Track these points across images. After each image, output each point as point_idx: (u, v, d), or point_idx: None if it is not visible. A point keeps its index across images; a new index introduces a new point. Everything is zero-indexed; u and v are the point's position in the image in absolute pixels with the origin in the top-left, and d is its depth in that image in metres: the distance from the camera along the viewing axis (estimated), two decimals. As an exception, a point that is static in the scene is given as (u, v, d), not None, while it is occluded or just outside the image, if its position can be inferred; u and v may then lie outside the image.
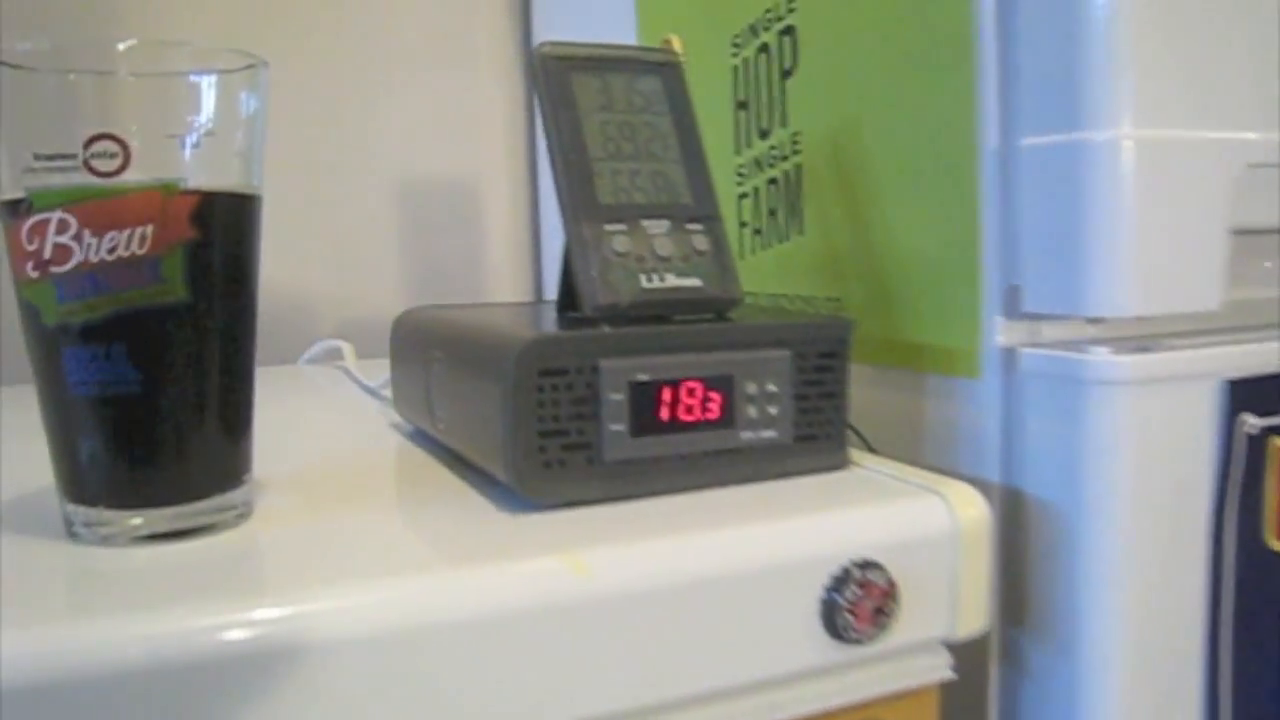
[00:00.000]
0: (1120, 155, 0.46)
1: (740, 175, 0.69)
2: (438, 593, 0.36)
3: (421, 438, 0.57)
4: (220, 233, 0.40)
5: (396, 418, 0.62)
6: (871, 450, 0.54)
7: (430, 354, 0.52)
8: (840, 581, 0.41)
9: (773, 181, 0.66)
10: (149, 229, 0.38)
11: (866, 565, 0.42)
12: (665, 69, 0.52)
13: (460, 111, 1.07)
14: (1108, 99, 0.46)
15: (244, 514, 0.43)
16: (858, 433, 0.55)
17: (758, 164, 0.67)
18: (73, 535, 0.41)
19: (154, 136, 0.40)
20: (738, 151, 0.69)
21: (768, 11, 0.65)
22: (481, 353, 0.45)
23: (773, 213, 0.66)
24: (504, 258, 1.10)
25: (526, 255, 1.11)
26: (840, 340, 0.48)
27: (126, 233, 0.37)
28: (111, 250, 0.37)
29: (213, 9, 0.98)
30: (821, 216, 0.62)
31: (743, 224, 0.70)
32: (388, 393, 0.67)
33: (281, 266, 1.02)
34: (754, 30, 0.67)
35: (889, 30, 0.56)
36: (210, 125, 0.41)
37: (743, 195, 0.69)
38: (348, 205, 1.04)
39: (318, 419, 0.68)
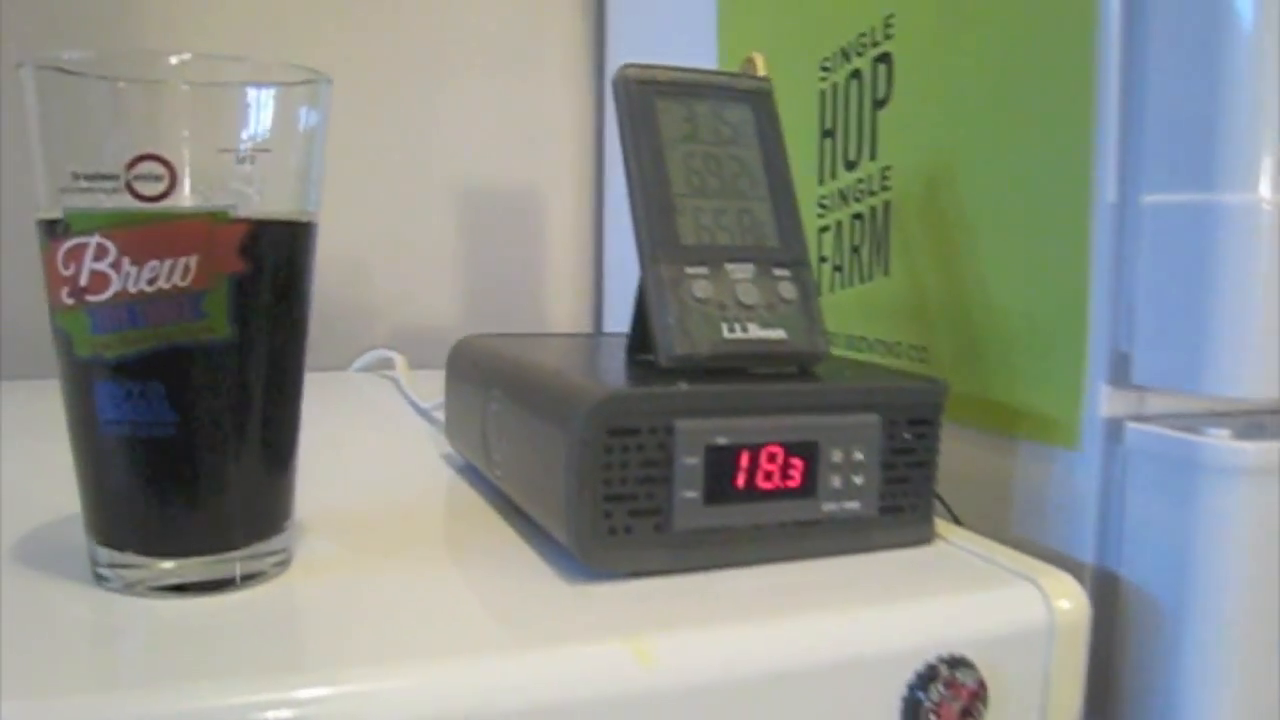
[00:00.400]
0: (1259, 220, 0.41)
1: (822, 207, 0.65)
2: (489, 679, 0.32)
3: (473, 473, 0.54)
4: (271, 265, 0.37)
5: (447, 446, 0.59)
6: (957, 522, 0.50)
7: (490, 393, 0.48)
8: (926, 679, 0.37)
9: (858, 217, 0.62)
10: (193, 260, 0.34)
11: (956, 663, 0.38)
12: (755, 97, 0.49)
13: (526, 119, 1.04)
14: (1248, 158, 0.42)
15: (283, 561, 0.40)
16: (943, 502, 0.51)
17: (842, 197, 0.63)
18: (98, 578, 0.38)
19: (205, 153, 0.37)
20: (821, 182, 0.65)
21: (862, 35, 0.61)
22: (547, 403, 0.41)
23: (856, 250, 0.62)
24: (565, 272, 1.07)
25: (588, 271, 1.08)
26: (935, 406, 0.44)
27: (169, 263, 0.34)
28: (152, 281, 0.34)
29: (272, 12, 0.95)
30: (909, 258, 0.58)
31: (823, 259, 0.66)
32: (440, 415, 0.64)
33: (337, 270, 0.99)
34: (846, 55, 0.63)
35: (998, 65, 0.52)
36: (266, 142, 0.39)
37: (824, 228, 0.65)
38: (407, 211, 1.01)
39: (365, 438, 0.65)
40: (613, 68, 1.02)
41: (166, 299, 0.34)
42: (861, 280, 0.62)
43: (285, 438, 0.40)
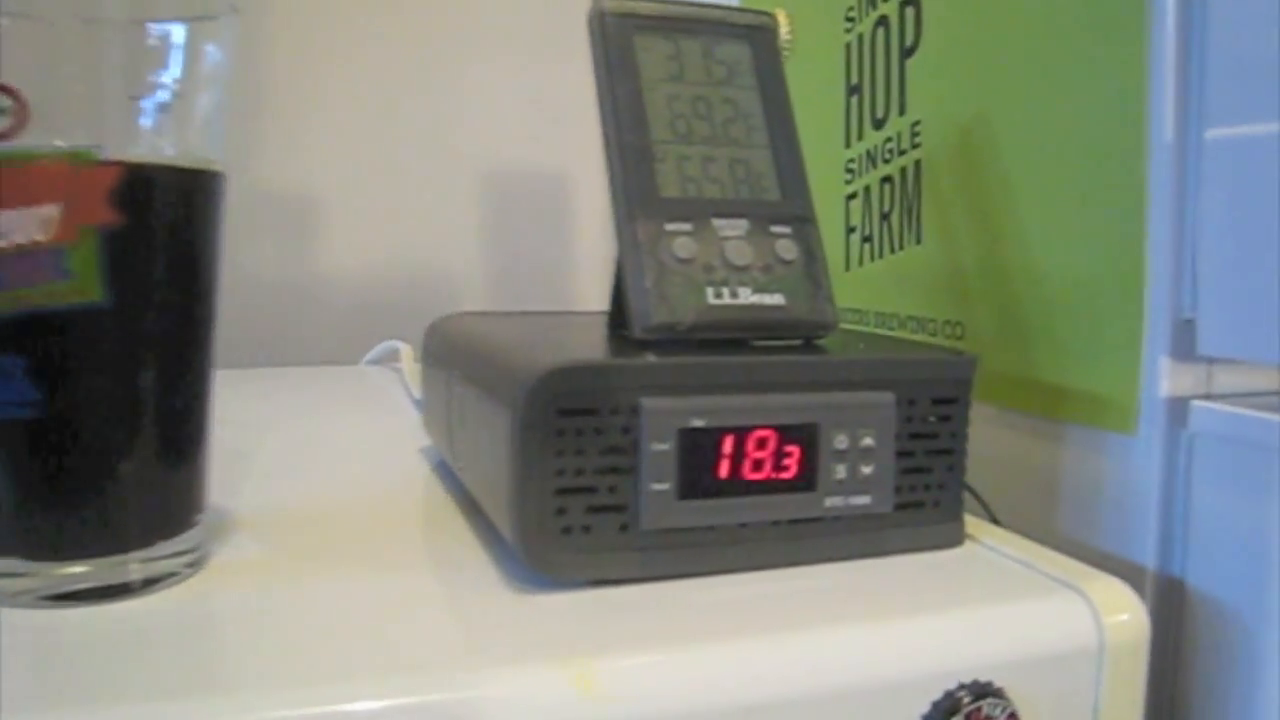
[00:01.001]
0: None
1: (850, 172, 0.59)
2: (384, 710, 0.26)
3: (446, 469, 0.48)
4: (158, 218, 0.31)
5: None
6: (993, 520, 0.43)
7: (452, 375, 0.42)
8: (945, 712, 0.31)
9: (887, 180, 0.55)
10: (54, 210, 0.29)
11: (982, 691, 0.31)
12: (755, 34, 0.42)
13: (551, 100, 0.98)
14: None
15: (195, 562, 0.35)
16: (975, 495, 0.44)
17: (870, 159, 0.57)
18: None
19: (109, 100, 0.32)
20: (848, 144, 0.59)
21: (889, -24, 0.54)
22: (494, 379, 0.35)
23: (885, 216, 0.56)
24: (590, 259, 1.01)
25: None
26: (961, 382, 0.37)
27: (23, 213, 0.29)
28: (2, 235, 0.29)
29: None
30: (943, 223, 0.51)
31: (851, 229, 0.59)
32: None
33: (352, 258, 0.94)
34: (871, 1, 0.56)
35: (1039, 3, 0.45)
36: (179, 86, 0.33)
37: (851, 195, 0.59)
38: (426, 196, 0.96)
39: (343, 433, 0.60)
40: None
41: (21, 256, 0.29)
42: (892, 250, 0.55)
43: (187, 422, 0.34)
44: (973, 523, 0.40)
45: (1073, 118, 0.43)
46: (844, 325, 0.45)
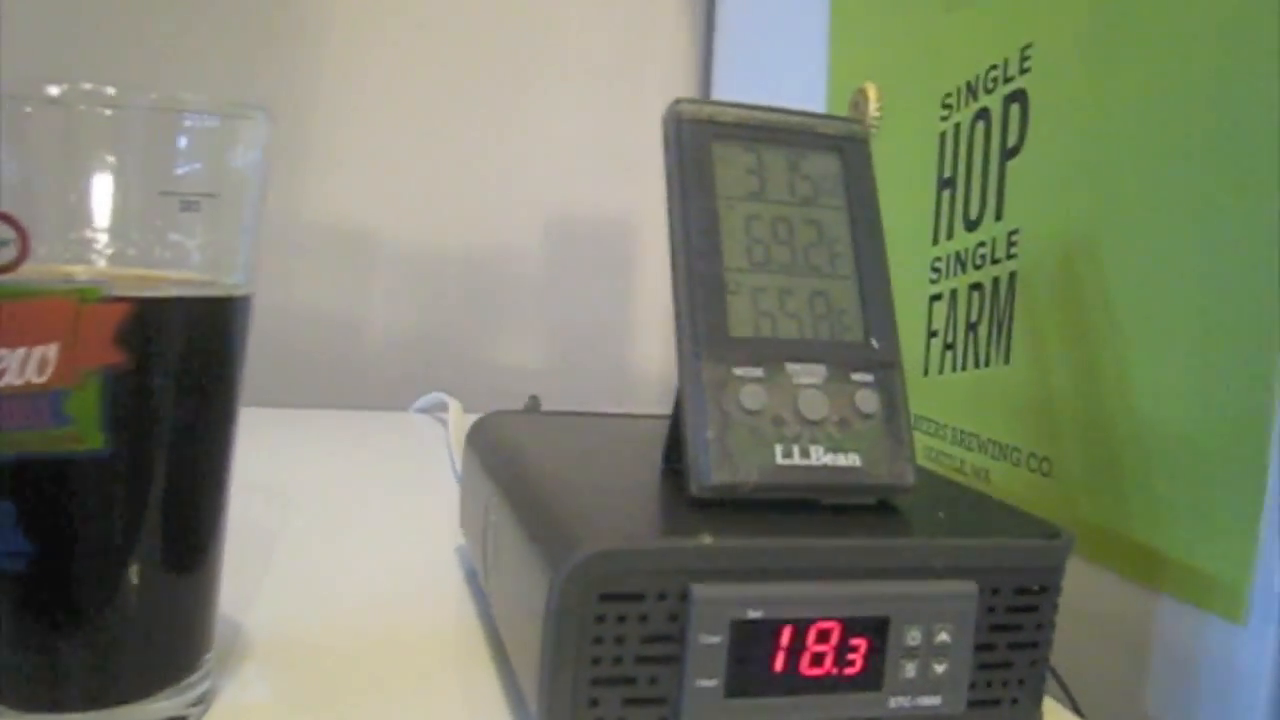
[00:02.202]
0: None
1: (935, 271, 0.54)
2: None
3: (477, 585, 0.45)
4: (168, 355, 0.28)
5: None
6: (1077, 713, 0.38)
7: (491, 497, 0.39)
8: None
9: (976, 287, 0.51)
10: (52, 350, 0.26)
11: None
12: (847, 145, 0.38)
13: (620, 147, 0.95)
14: None
15: (200, 701, 0.32)
16: (1058, 679, 0.40)
17: (959, 261, 0.52)
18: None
19: (133, 196, 0.29)
20: (935, 240, 0.55)
21: (993, 69, 0.50)
22: (531, 536, 0.32)
23: (972, 327, 0.51)
24: (655, 314, 0.97)
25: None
26: (1053, 570, 0.33)
27: (19, 354, 0.26)
28: (-4, 375, 0.26)
29: (350, 23, 0.88)
30: (1036, 346, 0.47)
31: (933, 333, 0.55)
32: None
33: (404, 302, 0.92)
34: (972, 90, 0.52)
35: (1162, 108, 0.40)
36: (208, 185, 0.31)
37: (935, 297, 0.54)
38: (486, 240, 0.93)
39: (377, 513, 0.56)
40: (720, 92, 0.92)
41: (16, 399, 0.26)
42: (976, 365, 0.51)
43: (194, 566, 0.31)
44: (1053, 712, 0.36)
45: (1195, 246, 0.39)
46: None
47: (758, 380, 0.33)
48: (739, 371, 0.34)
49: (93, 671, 0.30)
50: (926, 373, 0.55)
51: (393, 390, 0.87)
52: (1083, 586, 0.43)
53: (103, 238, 0.30)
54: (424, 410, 0.83)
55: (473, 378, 0.92)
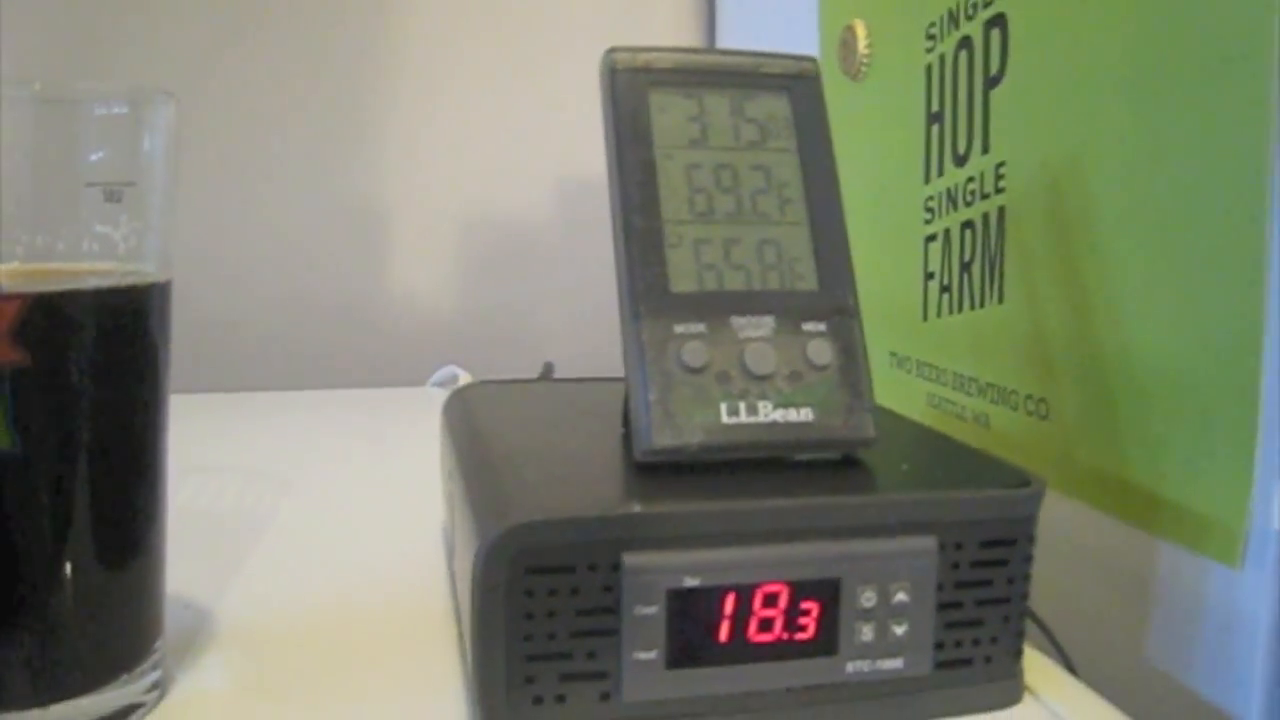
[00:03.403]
0: None
1: (929, 211, 0.52)
2: None
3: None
4: (74, 349, 0.28)
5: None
6: (1069, 668, 0.37)
7: (451, 470, 0.38)
8: None
9: (968, 225, 0.49)
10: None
11: None
12: (796, 84, 0.36)
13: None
14: None
15: (154, 689, 0.32)
16: (1048, 633, 0.38)
17: (951, 199, 0.50)
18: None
19: (53, 187, 0.29)
20: (928, 179, 0.52)
21: (973, -7, 0.48)
22: (470, 515, 0.31)
23: (966, 266, 0.49)
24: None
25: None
26: (1021, 521, 0.31)
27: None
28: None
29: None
30: (1027, 283, 0.45)
31: (929, 275, 0.53)
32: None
33: (422, 275, 0.91)
34: (953, 18, 0.49)
35: (1143, 23, 0.38)
36: (127, 173, 0.30)
37: (931, 237, 0.52)
38: (503, 210, 0.92)
39: (368, 493, 0.56)
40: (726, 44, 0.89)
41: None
42: (973, 306, 0.49)
43: (129, 558, 0.30)
44: (1040, 668, 0.34)
45: (1180, 171, 0.36)
46: (888, 410, 0.39)
47: (700, 336, 0.32)
48: (680, 328, 0.32)
49: (32, 669, 0.29)
50: (925, 317, 0.53)
51: (414, 365, 0.87)
52: (1082, 533, 0.41)
53: (24, 233, 0.29)
54: (440, 385, 0.83)
55: (492, 349, 0.91)
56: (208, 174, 0.86)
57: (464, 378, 0.76)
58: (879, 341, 0.57)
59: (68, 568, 0.29)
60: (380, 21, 0.88)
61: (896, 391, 0.56)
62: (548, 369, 0.78)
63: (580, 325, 0.94)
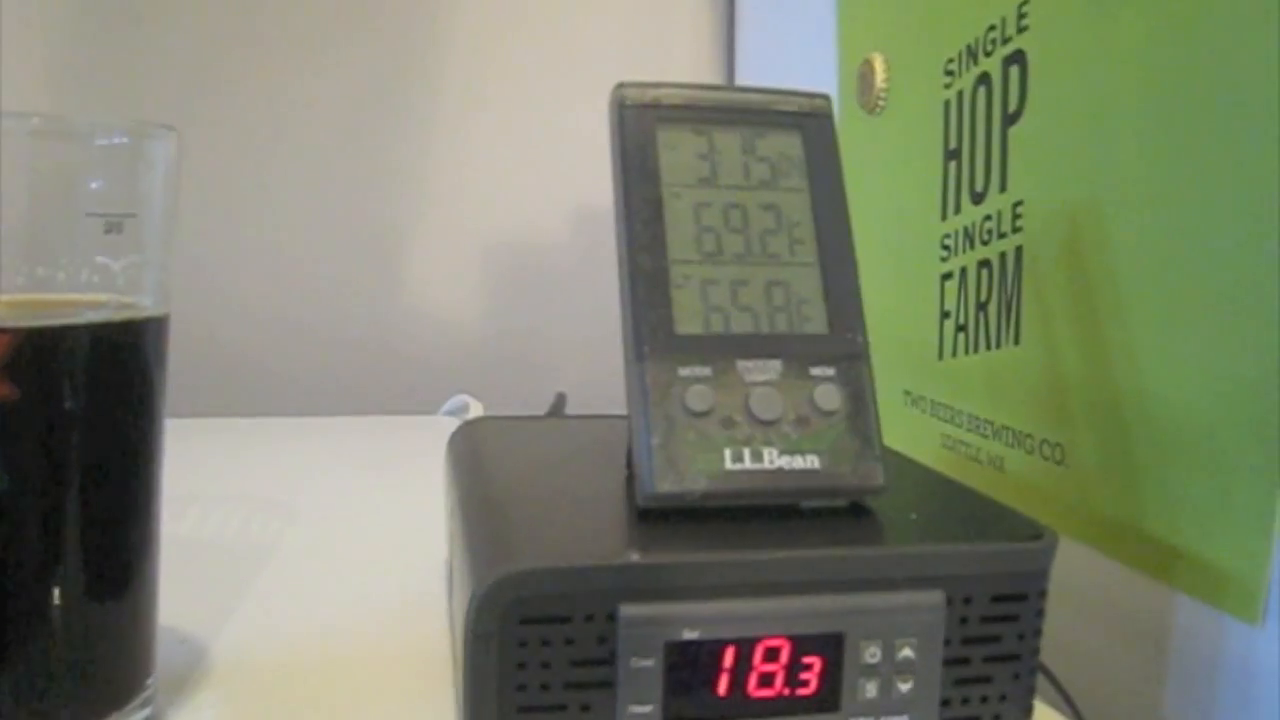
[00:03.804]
0: None
1: (946, 248, 0.51)
2: None
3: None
4: (60, 385, 0.27)
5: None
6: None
7: (452, 509, 0.37)
8: None
9: (985, 264, 0.48)
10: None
11: None
12: (810, 122, 0.36)
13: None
14: None
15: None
16: (1055, 683, 0.37)
17: (968, 237, 0.49)
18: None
19: (53, 219, 0.29)
20: (944, 217, 0.52)
21: (991, 29, 0.47)
22: (466, 560, 0.30)
23: (982, 306, 0.48)
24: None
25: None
26: (1033, 575, 0.30)
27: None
28: None
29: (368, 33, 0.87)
30: (1044, 324, 0.44)
31: (945, 313, 0.52)
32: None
33: (440, 300, 0.91)
34: (972, 54, 0.49)
35: (1166, 64, 0.37)
36: (129, 205, 0.30)
37: (947, 275, 0.51)
38: (515, 237, 0.92)
39: (374, 525, 0.55)
40: (743, 78, 0.89)
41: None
42: (988, 346, 0.48)
43: (120, 595, 0.30)
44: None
45: (1199, 211, 0.36)
46: (897, 453, 0.38)
47: (705, 380, 0.31)
48: (685, 371, 0.31)
49: (20, 706, 0.29)
50: (941, 356, 0.52)
51: (427, 392, 0.87)
52: (1098, 582, 0.40)
53: (24, 264, 0.29)
54: (451, 413, 0.82)
55: (506, 376, 0.90)
56: (218, 199, 0.86)
57: (475, 407, 0.75)
58: (893, 379, 0.56)
59: (56, 604, 0.28)
60: (396, 50, 0.88)
61: (910, 431, 0.55)
62: (559, 401, 0.78)
63: (595, 353, 0.93)
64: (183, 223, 0.83)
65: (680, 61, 0.92)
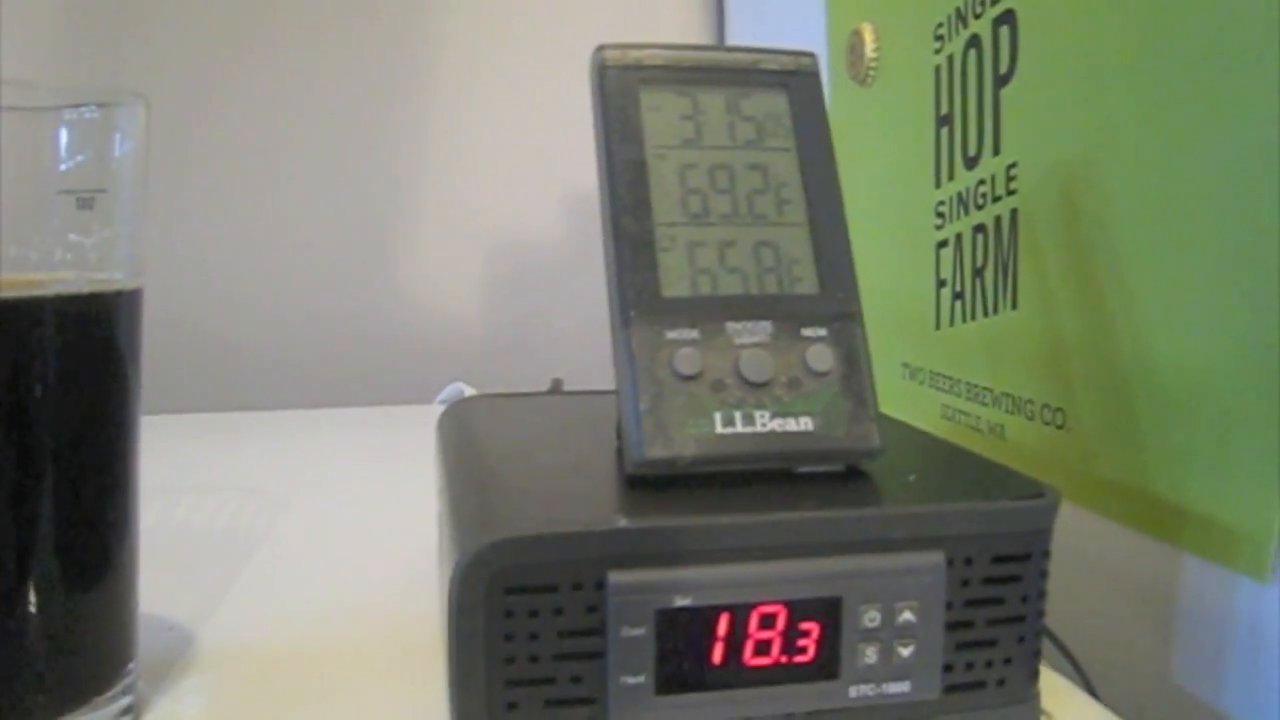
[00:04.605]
0: None
1: (940, 216, 0.51)
2: None
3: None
4: (40, 359, 0.26)
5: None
6: (1089, 690, 0.35)
7: (440, 484, 0.37)
8: None
9: (979, 229, 0.47)
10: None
11: None
12: (794, 80, 0.35)
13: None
14: None
15: (126, 713, 0.31)
16: (1061, 647, 0.36)
17: (962, 202, 0.49)
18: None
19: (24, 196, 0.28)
20: (938, 184, 0.51)
21: (982, -10, 0.46)
22: (450, 533, 0.29)
23: (979, 272, 0.48)
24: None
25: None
26: (1035, 534, 0.29)
27: None
28: None
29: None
30: (1041, 288, 0.43)
31: (941, 282, 0.51)
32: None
33: (435, 289, 0.90)
34: (961, 17, 0.48)
35: (1155, 16, 0.36)
36: (99, 180, 0.29)
37: (942, 243, 0.51)
38: (511, 224, 0.91)
39: (366, 513, 0.54)
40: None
41: None
42: (985, 313, 0.47)
43: (95, 581, 0.29)
44: (1057, 689, 0.32)
45: (1197, 168, 0.35)
46: (893, 418, 0.37)
47: (693, 343, 0.30)
48: (672, 335, 0.31)
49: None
50: (938, 326, 0.51)
51: (423, 382, 0.86)
52: (1103, 546, 0.40)
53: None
54: (447, 402, 0.81)
55: (502, 364, 0.89)
56: (214, 187, 0.85)
57: (468, 393, 0.74)
58: (891, 353, 0.55)
59: (31, 587, 0.28)
60: (392, 36, 0.87)
61: (909, 404, 0.54)
62: (556, 386, 0.77)
63: (591, 340, 0.92)
64: (177, 212, 0.82)
65: (669, 38, 0.91)
